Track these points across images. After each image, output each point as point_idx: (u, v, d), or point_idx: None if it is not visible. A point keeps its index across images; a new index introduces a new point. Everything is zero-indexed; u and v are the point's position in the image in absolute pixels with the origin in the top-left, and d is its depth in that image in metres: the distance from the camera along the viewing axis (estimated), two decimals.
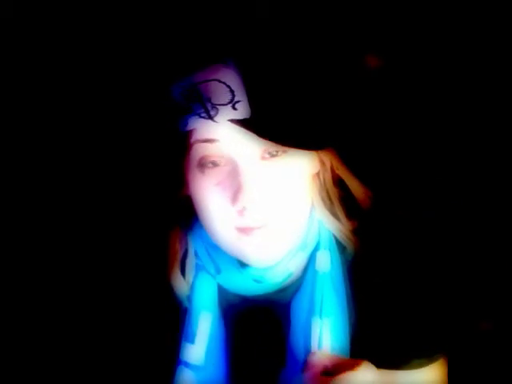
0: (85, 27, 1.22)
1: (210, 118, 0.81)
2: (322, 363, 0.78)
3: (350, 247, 0.92)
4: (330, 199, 0.91)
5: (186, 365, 0.91)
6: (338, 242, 0.93)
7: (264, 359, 0.91)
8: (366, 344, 0.89)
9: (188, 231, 0.96)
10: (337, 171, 0.91)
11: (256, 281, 0.90)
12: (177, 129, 0.85)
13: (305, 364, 0.79)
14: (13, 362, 1.18)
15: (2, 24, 1.18)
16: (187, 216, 0.93)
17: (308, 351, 0.86)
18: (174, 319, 0.94)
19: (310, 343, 0.87)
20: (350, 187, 0.92)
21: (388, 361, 0.89)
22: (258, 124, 0.80)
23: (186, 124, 0.84)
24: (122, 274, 0.97)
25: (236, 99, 0.81)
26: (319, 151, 0.88)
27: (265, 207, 0.83)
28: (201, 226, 0.90)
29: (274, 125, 0.81)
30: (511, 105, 1.25)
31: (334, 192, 0.91)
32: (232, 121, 0.80)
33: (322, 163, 0.90)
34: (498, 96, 1.26)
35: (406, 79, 1.28)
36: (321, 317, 0.88)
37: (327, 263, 0.91)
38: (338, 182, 0.92)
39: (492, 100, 1.26)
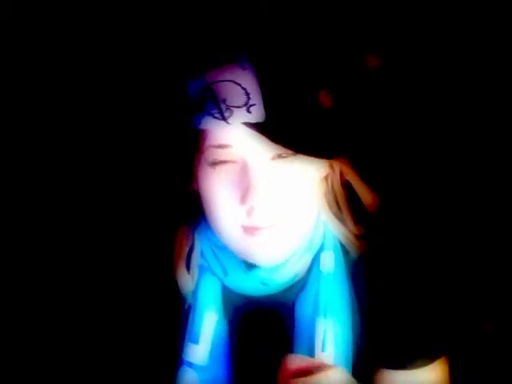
0: (93, 25, 1.21)
1: (224, 119, 0.81)
2: (295, 365, 0.79)
3: (353, 251, 0.93)
4: (336, 203, 0.92)
5: (190, 365, 0.91)
6: (342, 244, 0.93)
7: (268, 359, 0.90)
8: (370, 343, 0.90)
9: (195, 228, 0.96)
10: (346, 176, 0.92)
11: (263, 283, 0.90)
12: (189, 125, 0.85)
13: (280, 366, 0.80)
14: (13, 359, 1.18)
15: (1, 24, 1.18)
16: (194, 211, 0.93)
17: (312, 351, 0.87)
18: (177, 319, 0.94)
19: (313, 343, 0.88)
20: (358, 193, 0.92)
21: (391, 360, 0.90)
22: (272, 128, 0.80)
23: (199, 122, 0.84)
24: (126, 271, 0.96)
25: (251, 102, 0.81)
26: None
27: (273, 208, 0.84)
28: (207, 226, 0.91)
29: (287, 130, 0.81)
30: (511, 105, 1.25)
31: (341, 196, 0.92)
32: (246, 124, 0.80)
33: (332, 167, 0.91)
34: (497, 96, 1.26)
35: (405, 80, 1.29)
36: (325, 316, 0.89)
37: (331, 264, 0.92)
38: (346, 187, 0.92)
39: (492, 100, 1.27)
